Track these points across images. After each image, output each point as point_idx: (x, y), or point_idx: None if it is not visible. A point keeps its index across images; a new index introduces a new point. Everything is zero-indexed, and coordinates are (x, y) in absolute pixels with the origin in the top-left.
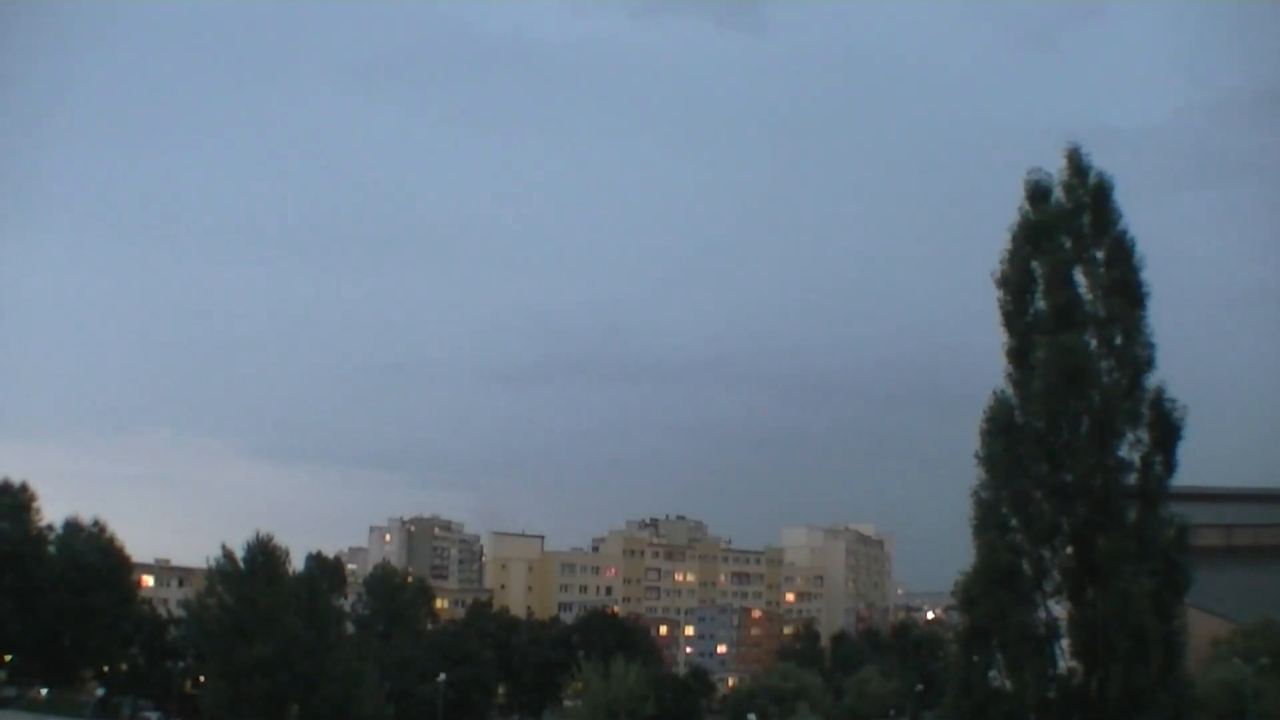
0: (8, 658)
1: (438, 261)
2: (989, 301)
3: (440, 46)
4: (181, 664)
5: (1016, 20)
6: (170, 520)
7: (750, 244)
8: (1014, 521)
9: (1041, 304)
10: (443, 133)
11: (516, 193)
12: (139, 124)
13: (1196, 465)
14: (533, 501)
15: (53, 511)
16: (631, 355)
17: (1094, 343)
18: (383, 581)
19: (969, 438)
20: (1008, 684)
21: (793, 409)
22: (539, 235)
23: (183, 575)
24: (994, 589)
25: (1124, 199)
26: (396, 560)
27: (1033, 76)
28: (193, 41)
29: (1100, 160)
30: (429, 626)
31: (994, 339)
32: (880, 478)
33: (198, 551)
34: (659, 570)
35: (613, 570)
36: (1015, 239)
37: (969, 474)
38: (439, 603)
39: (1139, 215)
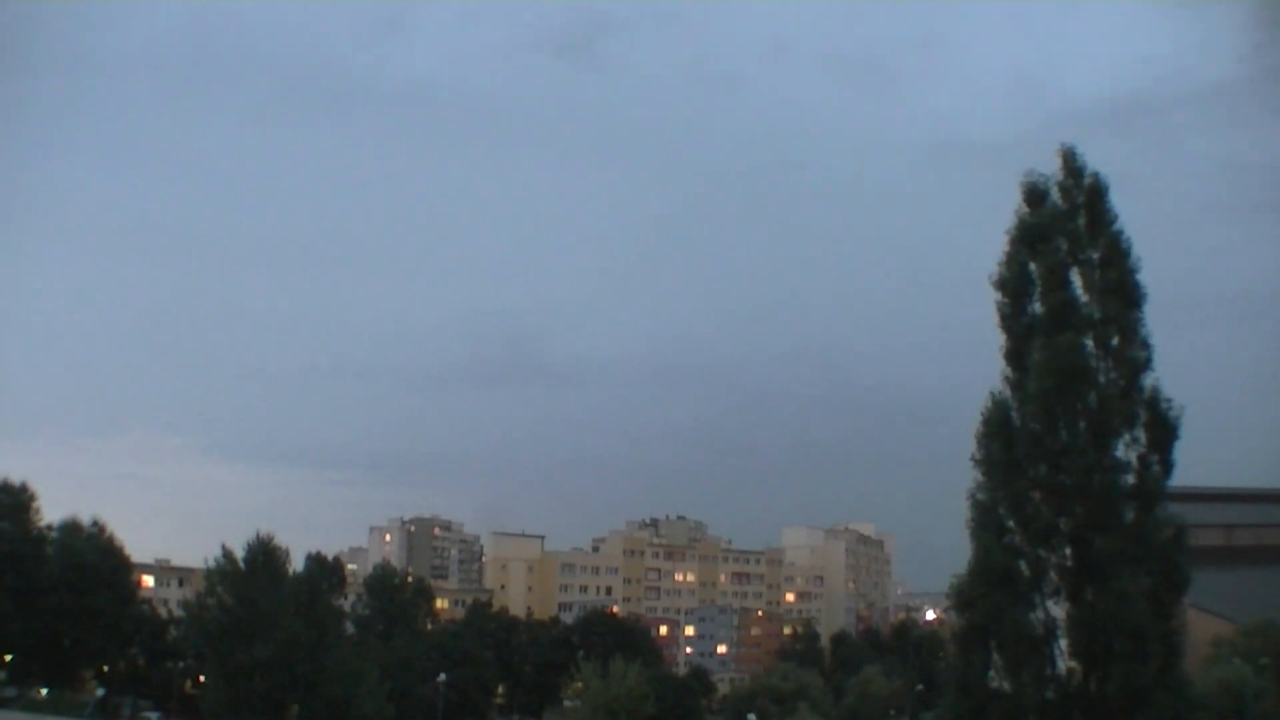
0: (8, 658)
1: (383, 271)
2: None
3: (369, 86)
4: (181, 664)
5: (857, 48)
6: (164, 522)
7: (669, 256)
8: (1011, 523)
9: (1038, 306)
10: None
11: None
12: (117, 146)
13: (1197, 465)
14: (533, 501)
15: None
16: (565, 359)
17: (1091, 344)
18: (383, 581)
19: (964, 439)
20: (1006, 685)
21: (750, 416)
22: (475, 248)
23: (183, 575)
24: (991, 590)
25: (991, 211)
26: (396, 560)
27: (881, 95)
28: (142, 70)
29: (963, 172)
30: (429, 626)
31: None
32: (880, 478)
33: (196, 552)
34: (659, 570)
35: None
36: (1012, 241)
37: (968, 474)
38: (439, 603)
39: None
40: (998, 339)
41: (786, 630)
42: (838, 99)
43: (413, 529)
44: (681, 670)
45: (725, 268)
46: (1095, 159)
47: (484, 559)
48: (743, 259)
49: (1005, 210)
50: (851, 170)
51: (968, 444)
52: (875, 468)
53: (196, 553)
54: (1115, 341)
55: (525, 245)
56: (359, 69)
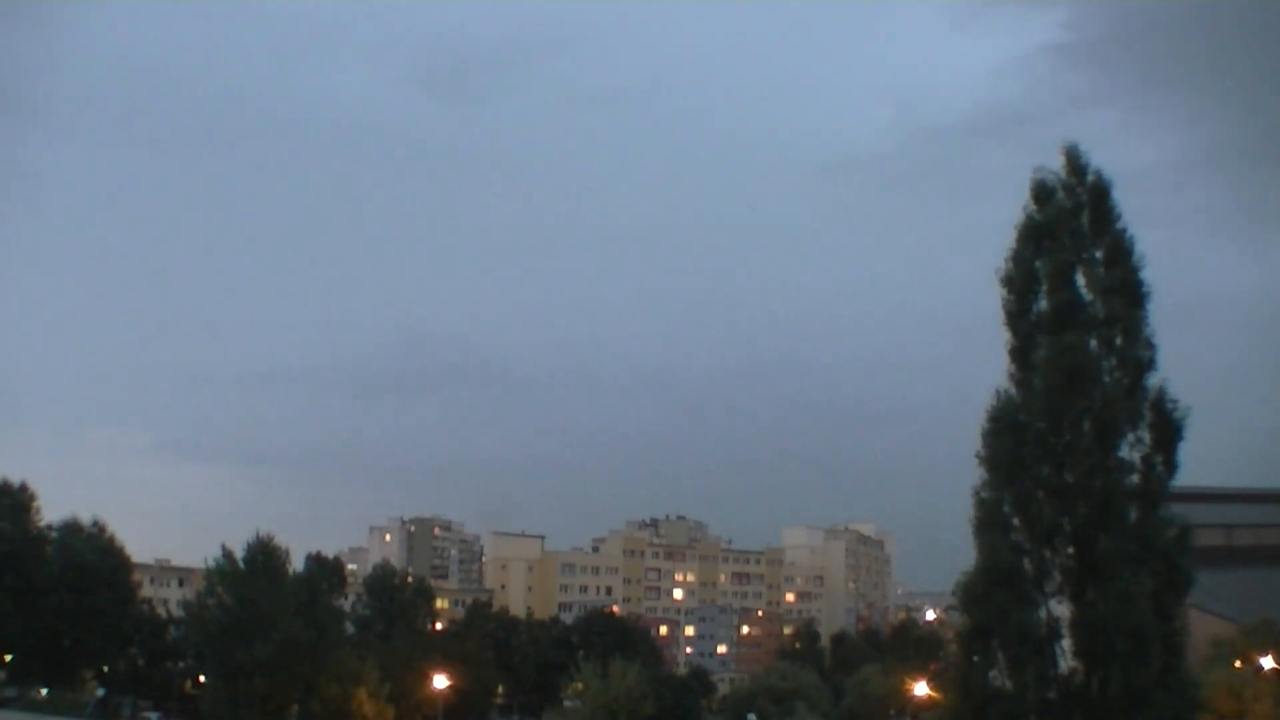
0: (8, 658)
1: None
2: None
3: (298, 116)
4: (181, 664)
5: (733, 68)
6: (160, 523)
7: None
8: (1015, 521)
9: (1044, 304)
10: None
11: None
12: (85, 167)
13: (1197, 465)
14: (533, 501)
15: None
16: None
17: (1095, 343)
18: (383, 581)
19: (962, 439)
20: (1008, 684)
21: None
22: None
23: (183, 575)
24: (995, 589)
25: (871, 219)
26: (396, 560)
27: (764, 114)
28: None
29: (840, 183)
30: (429, 626)
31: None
32: (880, 478)
33: (195, 553)
34: (659, 570)
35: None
36: (1019, 238)
37: (970, 474)
38: (439, 603)
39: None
40: (961, 336)
41: (786, 630)
42: (724, 117)
43: (413, 529)
44: (681, 670)
45: (676, 280)
46: (974, 166)
47: (484, 559)
48: (683, 271)
49: (892, 218)
50: (745, 190)
51: (965, 444)
52: (875, 468)
53: (196, 553)
54: (1119, 341)
55: (479, 263)
56: (285, 101)
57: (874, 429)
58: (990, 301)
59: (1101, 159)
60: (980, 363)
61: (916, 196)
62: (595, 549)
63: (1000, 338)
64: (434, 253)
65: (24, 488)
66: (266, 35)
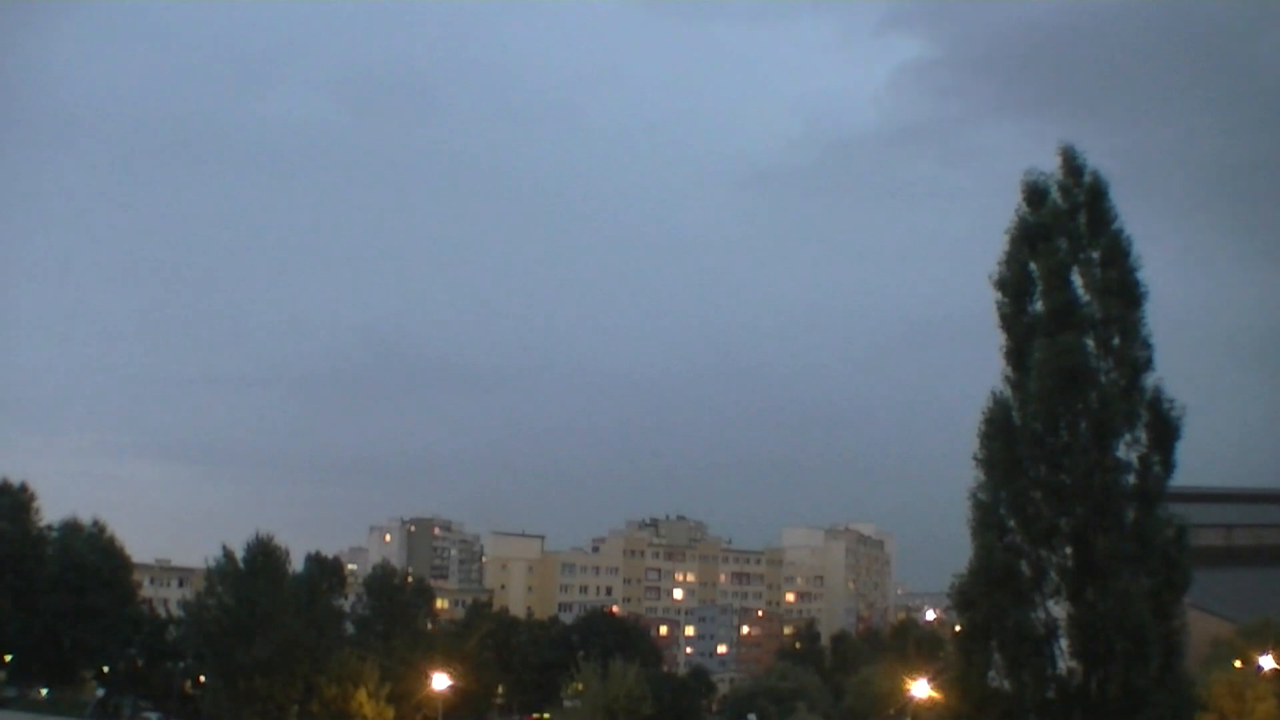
0: (8, 658)
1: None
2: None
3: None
4: (181, 664)
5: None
6: (162, 524)
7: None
8: (1012, 522)
9: (1039, 305)
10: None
11: None
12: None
13: (1197, 465)
14: (533, 501)
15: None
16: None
17: (1092, 344)
18: (382, 581)
19: (963, 439)
20: (1006, 685)
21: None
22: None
23: (183, 575)
24: (992, 590)
25: (796, 226)
26: (396, 560)
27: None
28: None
29: (758, 196)
30: (429, 627)
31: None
32: (880, 478)
33: (196, 553)
34: (659, 570)
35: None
36: (1013, 241)
37: (968, 474)
38: (439, 603)
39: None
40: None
41: (787, 630)
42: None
43: (413, 529)
44: (681, 670)
45: (664, 284)
46: (893, 175)
47: (484, 559)
48: (666, 276)
49: (823, 227)
50: (677, 202)
51: (967, 444)
52: (874, 468)
53: (196, 553)
54: (1116, 341)
55: (469, 268)
56: (233, 119)
57: (872, 429)
58: (949, 303)
59: (1020, 165)
60: (973, 363)
61: (841, 206)
62: (595, 549)
63: (973, 338)
64: (428, 258)
65: (24, 488)
66: (223, 61)
